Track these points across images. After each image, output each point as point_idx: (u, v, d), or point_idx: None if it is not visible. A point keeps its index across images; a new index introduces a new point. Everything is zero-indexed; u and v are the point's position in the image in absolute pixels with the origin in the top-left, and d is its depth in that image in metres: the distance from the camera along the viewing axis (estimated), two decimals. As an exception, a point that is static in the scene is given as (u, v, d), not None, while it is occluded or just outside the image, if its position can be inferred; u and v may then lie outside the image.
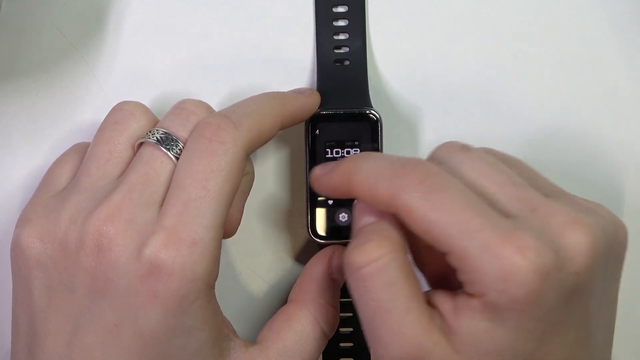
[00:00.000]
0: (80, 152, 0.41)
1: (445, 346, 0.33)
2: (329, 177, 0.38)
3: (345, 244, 0.42)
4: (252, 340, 0.40)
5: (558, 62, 0.46)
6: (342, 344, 0.45)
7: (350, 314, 0.44)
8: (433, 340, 0.33)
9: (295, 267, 0.46)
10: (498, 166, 0.35)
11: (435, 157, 0.37)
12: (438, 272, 0.37)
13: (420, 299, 0.34)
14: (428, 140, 0.46)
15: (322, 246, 0.43)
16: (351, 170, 0.36)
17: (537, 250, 0.31)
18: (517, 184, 0.35)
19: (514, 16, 0.46)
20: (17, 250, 0.38)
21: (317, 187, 0.39)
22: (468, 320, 0.33)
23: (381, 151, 0.43)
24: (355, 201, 0.38)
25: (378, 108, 0.44)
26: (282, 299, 0.46)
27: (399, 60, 0.46)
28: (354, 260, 0.34)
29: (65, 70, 0.45)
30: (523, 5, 0.46)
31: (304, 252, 0.46)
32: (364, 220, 0.37)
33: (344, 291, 0.43)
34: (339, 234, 0.43)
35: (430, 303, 0.35)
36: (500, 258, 0.31)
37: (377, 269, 0.34)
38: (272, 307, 0.46)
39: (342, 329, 0.44)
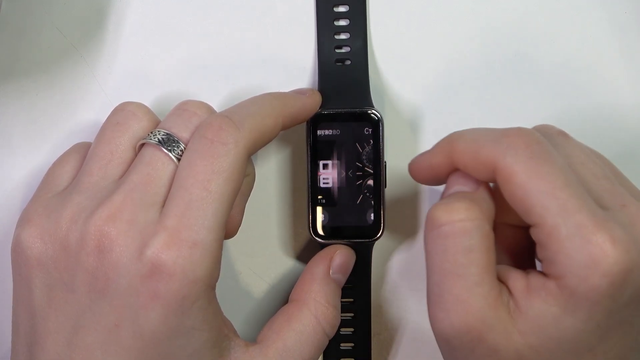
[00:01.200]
0: (81, 152, 0.41)
1: (507, 324, 0.33)
2: (430, 153, 0.38)
3: (346, 244, 0.43)
4: (253, 339, 0.40)
5: (558, 62, 0.46)
6: (342, 345, 0.45)
7: (352, 314, 0.44)
8: (497, 316, 0.33)
9: (296, 267, 0.46)
10: (593, 157, 0.36)
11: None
12: (509, 251, 0.37)
13: (494, 274, 0.34)
14: (428, 140, 0.46)
15: (323, 246, 0.43)
16: (454, 138, 0.36)
17: (626, 245, 0.31)
18: (609, 178, 0.35)
19: (514, 16, 0.46)
20: (17, 250, 0.38)
21: (415, 168, 0.39)
22: (540, 302, 0.33)
23: (383, 151, 0.43)
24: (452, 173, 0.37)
25: (379, 108, 0.44)
26: (282, 298, 0.46)
27: (399, 60, 0.46)
28: (440, 216, 0.34)
29: (65, 70, 0.45)
30: (523, 5, 0.46)
31: (305, 252, 0.46)
32: (456, 187, 0.37)
33: (345, 291, 0.43)
34: (340, 233, 0.43)
35: (500, 279, 0.35)
36: (591, 243, 0.31)
37: (461, 230, 0.34)
38: (273, 307, 0.46)
39: (343, 330, 0.44)
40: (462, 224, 0.34)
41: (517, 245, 0.37)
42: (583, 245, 0.31)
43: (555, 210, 0.32)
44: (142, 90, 0.45)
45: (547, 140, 0.34)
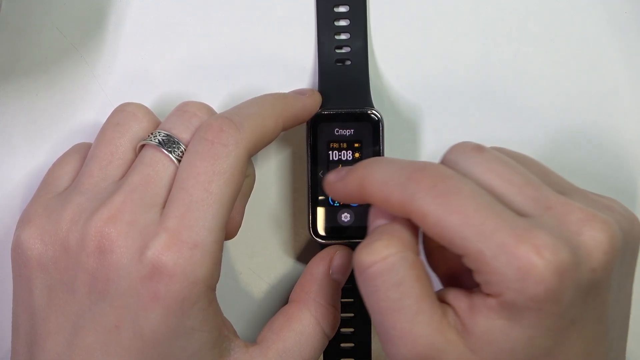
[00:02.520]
0: (81, 153, 0.41)
1: (458, 344, 0.33)
2: (342, 183, 0.38)
3: (346, 244, 0.43)
4: (253, 340, 0.40)
5: (558, 62, 0.46)
6: (343, 345, 0.45)
7: (352, 315, 0.44)
8: (446, 339, 0.33)
9: (296, 267, 0.46)
10: (512, 165, 0.35)
11: (449, 159, 0.37)
12: (452, 272, 0.38)
13: (432, 298, 0.34)
14: (428, 140, 0.46)
15: (323, 246, 0.43)
16: (364, 176, 0.36)
17: (553, 248, 0.31)
18: (531, 183, 0.35)
19: (514, 16, 0.46)
20: (17, 251, 0.38)
21: (331, 194, 0.39)
22: (484, 319, 0.33)
23: (383, 151, 0.43)
24: (371, 206, 0.38)
25: (379, 108, 0.44)
26: (282, 299, 0.46)
27: (400, 60, 0.46)
28: (362, 259, 0.34)
29: (65, 70, 0.45)
30: (523, 5, 0.46)
31: (305, 252, 0.46)
32: (376, 222, 0.37)
33: (345, 291, 0.43)
34: (340, 234, 0.43)
35: (444, 301, 0.35)
36: (516, 257, 0.31)
37: (385, 268, 0.34)
38: (273, 307, 0.46)
39: (343, 330, 0.44)
40: (385, 262, 0.34)
41: (456, 267, 0.37)
42: (509, 261, 0.31)
43: (474, 238, 0.32)
44: (142, 90, 0.45)
45: (452, 172, 0.34)
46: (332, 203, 0.43)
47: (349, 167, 0.38)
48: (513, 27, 0.46)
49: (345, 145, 0.43)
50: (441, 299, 0.35)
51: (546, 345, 0.33)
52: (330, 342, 0.41)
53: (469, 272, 0.33)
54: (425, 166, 0.35)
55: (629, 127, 0.46)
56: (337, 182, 0.38)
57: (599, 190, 0.39)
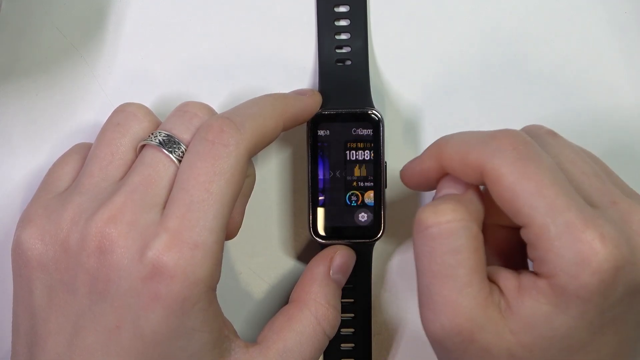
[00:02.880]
0: (81, 153, 0.41)
1: (499, 323, 0.33)
2: (419, 158, 0.38)
3: (346, 244, 0.43)
4: (253, 339, 0.40)
5: (558, 62, 0.46)
6: (343, 345, 0.45)
7: (352, 315, 0.44)
8: (487, 315, 0.33)
9: (296, 267, 0.46)
10: (582, 156, 0.36)
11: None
12: (501, 250, 0.38)
13: (483, 274, 0.34)
14: (428, 141, 0.45)
15: (323, 246, 0.43)
16: (442, 143, 0.37)
17: (616, 242, 0.31)
18: (599, 176, 0.35)
19: (514, 16, 0.46)
20: (18, 251, 0.38)
21: (407, 175, 0.39)
22: (531, 301, 0.33)
23: (383, 151, 0.43)
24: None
25: (379, 108, 0.44)
26: (283, 299, 0.46)
27: (400, 60, 0.46)
28: (426, 217, 0.34)
29: (65, 70, 0.45)
30: (523, 6, 0.46)
31: (305, 252, 0.46)
32: (445, 190, 0.37)
33: (346, 292, 0.43)
34: (341, 234, 0.43)
35: (492, 279, 0.35)
36: (580, 241, 0.31)
37: (448, 231, 0.34)
38: (273, 307, 0.46)
39: (343, 330, 0.44)
40: (449, 225, 0.34)
41: (509, 246, 0.37)
42: (572, 243, 0.31)
43: (543, 210, 0.32)
44: (142, 90, 0.45)
45: (534, 141, 0.35)
46: (332, 203, 0.43)
47: None
48: (513, 27, 0.46)
49: (345, 144, 0.43)
50: (489, 277, 0.35)
51: (584, 339, 0.33)
52: (330, 342, 0.41)
53: (518, 254, 0.33)
54: (508, 130, 0.35)
55: (629, 127, 0.46)
56: (413, 161, 0.39)
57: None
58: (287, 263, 0.46)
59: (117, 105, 0.41)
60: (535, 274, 0.33)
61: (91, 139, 0.41)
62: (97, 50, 0.46)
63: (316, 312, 0.40)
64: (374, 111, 0.43)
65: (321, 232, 0.43)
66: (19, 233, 0.38)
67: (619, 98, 0.46)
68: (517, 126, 0.45)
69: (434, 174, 0.37)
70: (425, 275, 0.35)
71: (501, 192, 0.33)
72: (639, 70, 0.46)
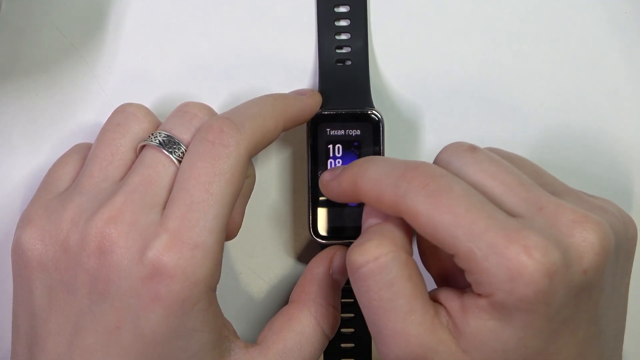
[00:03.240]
0: (81, 153, 0.41)
1: (450, 344, 0.34)
2: (337, 182, 0.38)
3: (347, 244, 0.43)
4: (253, 340, 0.40)
5: (558, 62, 0.46)
6: (343, 345, 0.45)
7: (352, 315, 0.44)
8: (438, 338, 0.34)
9: (296, 267, 0.46)
10: (504, 166, 0.36)
11: (442, 159, 0.37)
12: (445, 272, 0.38)
13: (425, 298, 0.34)
14: (429, 140, 0.46)
15: (323, 246, 0.43)
16: (357, 175, 0.37)
17: (543, 249, 0.31)
18: (523, 183, 0.35)
19: (514, 16, 0.46)
20: (18, 251, 0.38)
21: (326, 193, 0.40)
22: (475, 319, 0.33)
23: (383, 151, 0.43)
24: (364, 205, 0.38)
25: (379, 108, 0.44)
26: (283, 299, 0.46)
27: (400, 60, 0.46)
28: (354, 259, 0.35)
29: (65, 70, 0.45)
30: (523, 5, 0.46)
31: (305, 252, 0.46)
32: (369, 221, 0.37)
33: (345, 292, 0.43)
34: (341, 234, 0.43)
35: (436, 301, 0.35)
36: (506, 258, 0.31)
37: (377, 268, 0.34)
38: (273, 308, 0.46)
39: (343, 330, 0.44)
40: (377, 262, 0.34)
41: (449, 266, 0.37)
42: (499, 262, 0.31)
43: (464, 238, 0.32)
44: (142, 90, 0.45)
45: (444, 171, 0.35)
46: (332, 203, 0.43)
47: (344, 166, 0.38)
48: (513, 27, 0.46)
49: (345, 145, 0.43)
50: (434, 299, 0.35)
51: (538, 346, 0.33)
52: (330, 342, 0.41)
53: (461, 271, 0.34)
54: (417, 165, 0.35)
55: (629, 127, 0.46)
56: (331, 181, 0.39)
57: (598, 192, 0.39)
58: (287, 263, 0.46)
59: (117, 106, 0.41)
60: (476, 293, 0.33)
61: (91, 139, 0.41)
62: (97, 50, 0.46)
63: (316, 313, 0.40)
64: (374, 111, 0.43)
65: (321, 232, 0.43)
66: (19, 233, 0.38)
67: (619, 98, 0.46)
68: (517, 126, 0.46)
69: (354, 198, 0.38)
70: (369, 313, 0.35)
71: (422, 229, 0.34)
72: (639, 70, 0.46)
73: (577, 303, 0.33)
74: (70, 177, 0.40)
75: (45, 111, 0.45)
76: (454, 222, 0.33)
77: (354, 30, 0.45)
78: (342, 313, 0.42)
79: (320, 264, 0.42)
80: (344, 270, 0.42)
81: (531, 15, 0.46)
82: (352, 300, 0.44)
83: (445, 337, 0.34)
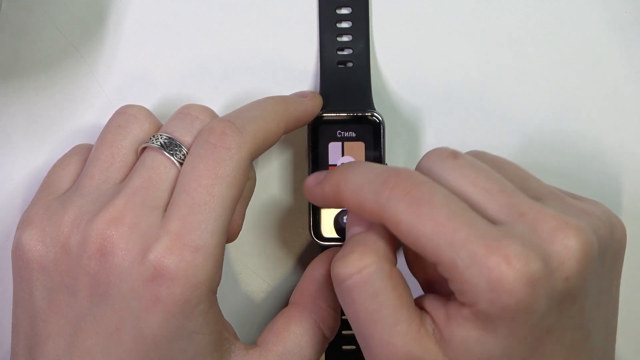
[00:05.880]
0: (82, 154, 0.41)
1: (436, 353, 0.34)
2: (320, 187, 0.38)
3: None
4: (253, 341, 0.40)
5: (558, 62, 0.46)
6: (344, 347, 0.45)
7: (353, 317, 0.44)
8: (424, 348, 0.34)
9: (296, 269, 0.46)
10: (486, 172, 0.35)
11: (423, 166, 0.37)
12: (431, 279, 0.38)
13: (410, 308, 0.35)
14: (430, 142, 0.46)
15: (323, 248, 0.43)
16: (340, 182, 0.37)
17: (524, 258, 0.31)
18: (505, 189, 0.35)
19: (515, 17, 0.46)
20: (18, 253, 0.38)
21: (310, 198, 0.39)
22: (460, 328, 0.33)
23: (384, 153, 0.43)
24: (347, 213, 0.38)
25: (380, 110, 0.44)
26: (283, 300, 0.46)
27: (402, 62, 0.46)
28: (338, 272, 0.35)
29: (65, 70, 0.45)
30: (523, 6, 0.46)
31: (306, 254, 0.46)
32: (352, 230, 0.37)
33: (346, 293, 0.43)
34: (341, 235, 0.43)
35: (423, 308, 0.35)
36: (487, 268, 0.31)
37: (361, 280, 0.34)
38: (273, 309, 0.46)
39: (344, 331, 0.44)
40: (360, 274, 0.34)
41: (435, 273, 0.37)
42: (480, 272, 0.31)
43: (445, 247, 0.32)
44: (142, 90, 0.45)
45: (426, 179, 0.35)
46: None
47: (327, 171, 0.38)
48: (513, 28, 0.46)
49: (346, 147, 0.43)
50: (420, 306, 0.35)
51: (524, 355, 0.33)
52: (332, 344, 0.42)
53: (446, 280, 0.34)
54: (399, 172, 0.35)
55: (629, 127, 0.46)
56: (315, 187, 0.39)
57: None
58: (287, 265, 0.46)
59: (118, 107, 0.41)
60: (460, 302, 0.33)
61: (91, 139, 0.41)
62: (97, 50, 0.46)
63: (316, 315, 0.40)
64: (375, 113, 0.43)
65: (322, 234, 0.43)
66: (19, 234, 0.38)
67: (619, 98, 0.46)
68: (517, 127, 0.46)
69: (337, 205, 0.37)
70: (355, 323, 0.35)
71: (403, 237, 0.34)
72: (639, 70, 0.46)
73: (561, 310, 0.33)
74: (71, 179, 0.40)
75: (45, 111, 0.45)
76: (435, 230, 0.32)
77: (355, 32, 0.45)
78: (343, 315, 0.42)
79: (320, 266, 0.42)
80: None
81: (531, 16, 0.46)
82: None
83: (431, 346, 0.34)
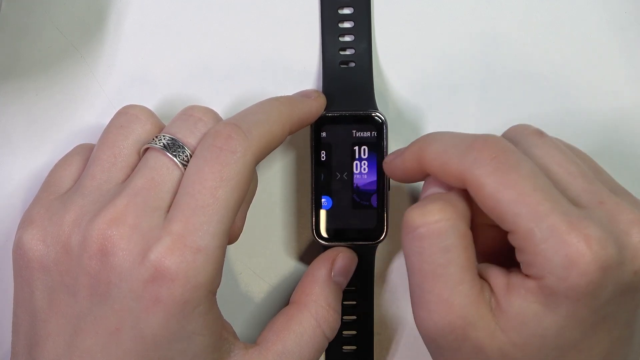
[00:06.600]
0: (83, 154, 0.41)
1: (490, 321, 0.34)
2: (401, 158, 0.38)
3: (349, 246, 0.43)
4: (253, 340, 0.40)
5: (558, 61, 0.46)
6: (345, 347, 0.45)
7: (354, 317, 0.44)
8: (479, 313, 0.34)
9: (297, 269, 0.46)
10: (569, 155, 0.36)
11: (509, 137, 0.37)
12: (491, 251, 0.38)
13: (474, 271, 0.35)
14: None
15: (325, 248, 0.43)
16: (423, 147, 0.37)
17: (602, 243, 0.31)
18: (586, 176, 0.35)
19: (515, 17, 0.46)
20: (19, 252, 0.38)
21: (390, 172, 0.40)
22: (520, 299, 0.33)
23: (387, 153, 0.43)
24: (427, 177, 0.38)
25: (383, 110, 0.44)
26: (283, 299, 0.46)
27: (404, 62, 0.46)
28: (413, 219, 0.35)
29: (65, 70, 0.45)
30: (524, 6, 0.46)
31: (307, 253, 0.46)
32: (431, 189, 0.37)
33: (348, 294, 0.43)
34: (343, 236, 0.43)
35: (482, 277, 0.35)
36: (566, 244, 0.31)
37: (436, 231, 0.34)
38: (274, 308, 0.46)
39: (345, 332, 0.44)
40: (437, 225, 0.34)
41: (499, 245, 0.37)
42: (558, 246, 0.32)
43: (526, 216, 0.32)
44: (142, 90, 0.45)
45: (514, 147, 0.35)
46: (335, 205, 0.43)
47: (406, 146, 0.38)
48: (514, 28, 0.46)
49: (349, 147, 0.43)
50: (479, 274, 0.35)
51: (575, 337, 0.33)
52: (332, 344, 0.42)
53: (508, 252, 0.34)
54: (487, 137, 0.35)
55: (629, 126, 0.46)
56: (395, 159, 0.39)
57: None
58: (288, 264, 0.46)
59: (118, 107, 0.41)
60: (525, 274, 0.33)
61: (91, 139, 0.41)
62: (97, 50, 0.45)
63: (316, 314, 0.40)
64: (377, 113, 0.43)
65: (324, 233, 0.43)
66: (20, 234, 0.38)
67: (618, 98, 0.46)
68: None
69: (418, 173, 0.38)
70: (417, 275, 0.35)
71: (484, 201, 0.34)
72: (639, 70, 0.46)
73: (620, 302, 0.33)
74: (73, 178, 0.40)
75: (45, 111, 0.45)
76: (518, 199, 0.32)
77: (358, 32, 0.45)
78: (344, 315, 0.42)
79: (322, 266, 0.42)
80: (346, 272, 0.42)
81: (532, 16, 0.46)
82: (353, 302, 0.44)
83: (487, 314, 0.34)
